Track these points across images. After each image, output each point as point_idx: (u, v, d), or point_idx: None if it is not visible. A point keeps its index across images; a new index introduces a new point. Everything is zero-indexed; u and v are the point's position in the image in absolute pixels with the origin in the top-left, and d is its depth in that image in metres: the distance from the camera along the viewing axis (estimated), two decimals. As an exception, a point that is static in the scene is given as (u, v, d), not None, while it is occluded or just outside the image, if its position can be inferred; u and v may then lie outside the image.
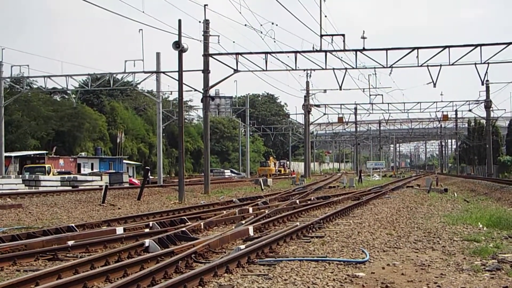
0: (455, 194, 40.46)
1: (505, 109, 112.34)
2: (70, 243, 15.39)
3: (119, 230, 17.94)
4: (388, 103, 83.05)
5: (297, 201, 30.60)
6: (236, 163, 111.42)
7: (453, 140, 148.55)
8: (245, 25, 71.27)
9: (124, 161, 75.63)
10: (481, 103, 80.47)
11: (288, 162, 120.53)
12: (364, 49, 45.16)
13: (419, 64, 44.98)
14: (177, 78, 39.94)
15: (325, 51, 45.11)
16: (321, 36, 44.36)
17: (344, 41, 44.19)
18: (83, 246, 15.39)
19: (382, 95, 76.76)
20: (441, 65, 45.67)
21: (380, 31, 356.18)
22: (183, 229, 17.67)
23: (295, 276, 11.58)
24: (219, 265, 11.82)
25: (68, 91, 77.25)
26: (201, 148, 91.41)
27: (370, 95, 71.21)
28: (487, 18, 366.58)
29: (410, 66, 46.32)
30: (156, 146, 62.31)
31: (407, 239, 16.90)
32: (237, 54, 45.76)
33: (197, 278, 10.88)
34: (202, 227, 19.53)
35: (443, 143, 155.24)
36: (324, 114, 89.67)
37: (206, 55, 45.61)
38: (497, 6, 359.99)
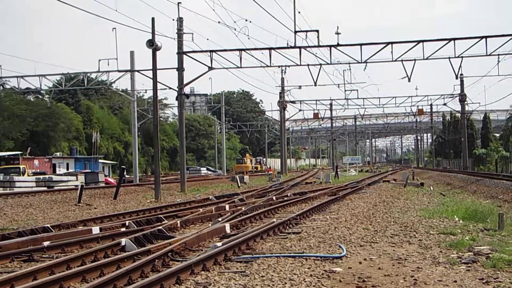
0: (431, 188, 40.70)
1: (479, 103, 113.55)
2: (46, 243, 15.27)
3: (95, 229, 17.83)
4: (363, 98, 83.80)
5: (274, 198, 30.60)
6: (212, 161, 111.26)
7: (429, 134, 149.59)
8: (219, 22, 71.26)
9: (100, 160, 75.08)
10: (456, 97, 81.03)
11: (264, 159, 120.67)
12: (338, 45, 45.26)
13: (394, 59, 45.12)
14: (151, 77, 39.82)
15: (300, 47, 45.05)
16: (295, 32, 44.27)
17: (318, 37, 44.14)
18: (59, 246, 15.26)
19: (357, 90, 77.34)
20: (415, 60, 45.91)
21: (354, 27, 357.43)
22: (160, 227, 17.59)
23: (272, 273, 11.57)
24: (196, 263, 11.78)
25: (42, 91, 76.61)
26: (177, 146, 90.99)
27: (345, 90, 71.24)
28: (461, 14, 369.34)
29: (384, 61, 46.63)
30: (132, 145, 62.06)
31: (384, 233, 16.96)
32: (211, 51, 45.63)
33: (174, 276, 10.83)
34: (179, 225, 19.50)
35: (419, 137, 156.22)
36: (300, 110, 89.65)
37: (180, 53, 45.50)
38: (471, 2, 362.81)
